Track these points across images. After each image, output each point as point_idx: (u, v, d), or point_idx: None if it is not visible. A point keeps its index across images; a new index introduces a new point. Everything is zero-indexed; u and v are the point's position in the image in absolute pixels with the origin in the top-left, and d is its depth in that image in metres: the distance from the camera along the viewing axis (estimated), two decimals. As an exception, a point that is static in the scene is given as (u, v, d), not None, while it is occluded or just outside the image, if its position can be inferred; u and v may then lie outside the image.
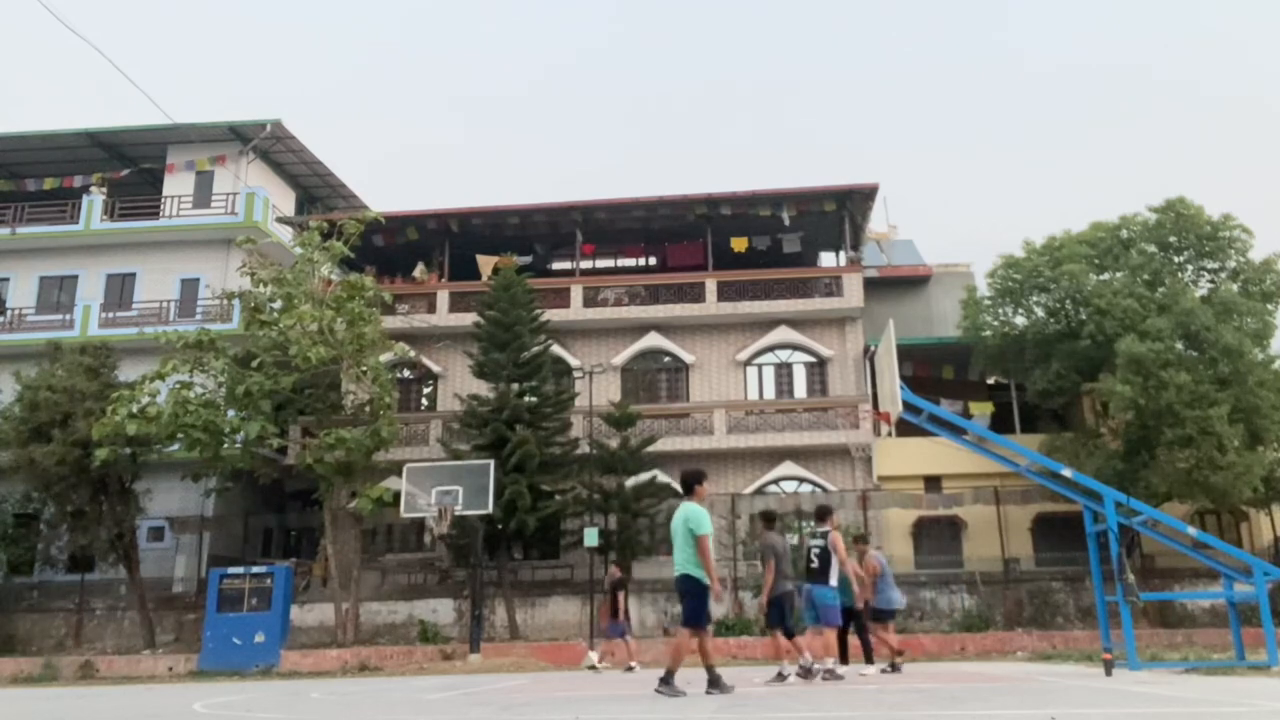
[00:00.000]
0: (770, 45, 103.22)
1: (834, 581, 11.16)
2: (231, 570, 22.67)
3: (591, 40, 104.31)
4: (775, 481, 27.27)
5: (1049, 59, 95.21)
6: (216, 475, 25.00)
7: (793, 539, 24.94)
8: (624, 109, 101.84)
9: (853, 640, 12.46)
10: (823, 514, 11.70)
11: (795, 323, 28.49)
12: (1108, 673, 11.50)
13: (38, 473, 23.89)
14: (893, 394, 13.06)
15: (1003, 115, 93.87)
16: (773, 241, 30.68)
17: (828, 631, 11.13)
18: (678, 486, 26.69)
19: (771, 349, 28.73)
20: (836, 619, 11.25)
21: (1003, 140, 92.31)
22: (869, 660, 12.41)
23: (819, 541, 11.34)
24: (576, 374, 27.26)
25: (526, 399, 25.00)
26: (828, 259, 33.38)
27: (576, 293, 29.05)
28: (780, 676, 10.55)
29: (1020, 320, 25.74)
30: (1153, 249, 24.73)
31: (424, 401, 29.48)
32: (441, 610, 24.66)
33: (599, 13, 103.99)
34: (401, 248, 30.42)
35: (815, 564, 11.22)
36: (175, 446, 24.01)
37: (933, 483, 26.95)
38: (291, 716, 7.75)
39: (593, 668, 17.84)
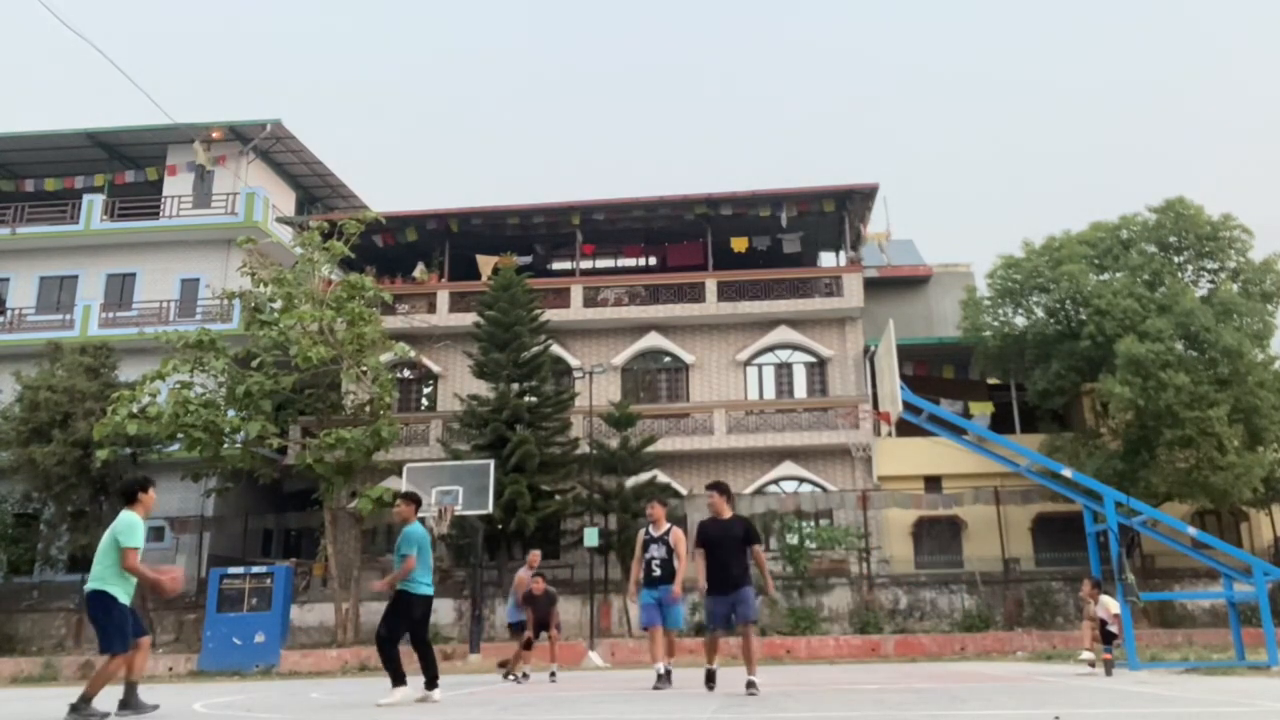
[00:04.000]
0: (767, 45, 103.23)
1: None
2: (231, 570, 22.64)
3: (586, 41, 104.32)
4: (775, 481, 27.28)
5: (1052, 59, 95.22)
6: (216, 475, 24.98)
7: (792, 538, 25.03)
8: (622, 109, 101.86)
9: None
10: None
11: (795, 323, 28.48)
12: (1108, 673, 11.51)
13: (38, 473, 23.88)
14: (893, 394, 13.07)
15: (1002, 115, 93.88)
16: (773, 241, 30.68)
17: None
18: (678, 487, 26.76)
19: (771, 349, 28.72)
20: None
21: (1001, 140, 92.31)
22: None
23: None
24: (576, 374, 27.26)
25: (526, 399, 24.99)
26: (828, 259, 33.41)
27: (576, 293, 29.04)
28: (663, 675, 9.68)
29: (1020, 321, 25.74)
30: (1152, 249, 24.73)
31: (424, 401, 29.47)
32: (441, 610, 24.60)
33: (597, 16, 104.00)
34: (401, 248, 30.41)
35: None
36: (175, 446, 24.01)
37: (933, 483, 26.95)
38: (291, 716, 7.75)
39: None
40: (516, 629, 13.76)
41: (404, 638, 8.52)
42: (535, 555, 14.79)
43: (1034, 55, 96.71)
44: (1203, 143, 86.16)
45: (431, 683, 8.51)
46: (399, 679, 8.29)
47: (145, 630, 7.90)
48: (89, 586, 7.46)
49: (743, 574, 8.62)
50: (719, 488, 9.02)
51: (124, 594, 7.47)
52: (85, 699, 7.25)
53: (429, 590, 8.56)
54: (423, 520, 9.08)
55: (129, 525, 7.51)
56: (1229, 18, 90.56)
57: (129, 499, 7.79)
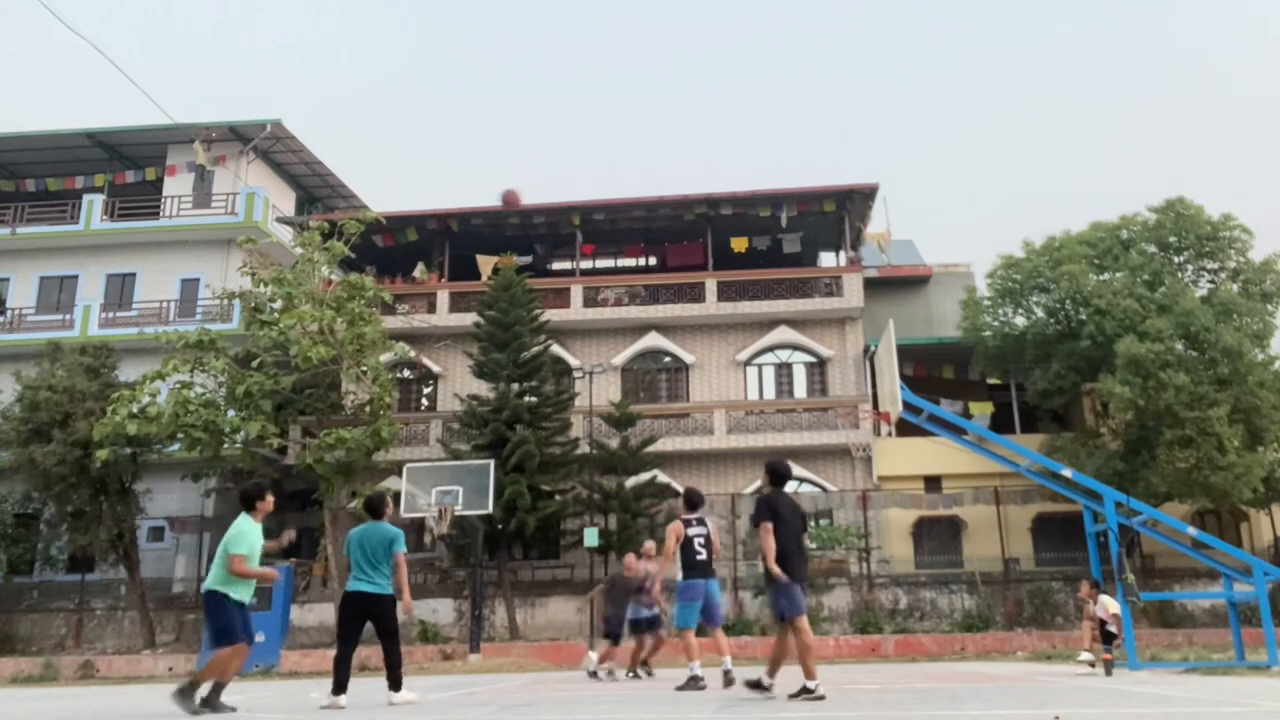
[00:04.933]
0: (768, 48, 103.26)
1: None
2: (232, 570, 22.63)
3: (588, 43, 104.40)
4: (775, 481, 27.23)
5: (1053, 59, 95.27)
6: (216, 475, 24.97)
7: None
8: (624, 109, 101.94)
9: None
10: (697, 500, 10.22)
11: (795, 323, 28.48)
12: (1108, 673, 11.51)
13: (38, 473, 23.87)
14: (893, 394, 13.07)
15: (1002, 118, 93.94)
16: (773, 241, 30.68)
17: (719, 631, 10.14)
18: (678, 487, 26.78)
19: (771, 349, 28.72)
20: (723, 616, 10.16)
21: (1002, 142, 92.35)
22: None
23: (703, 529, 9.93)
24: (576, 374, 27.25)
25: (526, 399, 24.98)
26: (828, 259, 33.41)
27: (576, 293, 29.03)
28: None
29: (1020, 321, 25.73)
30: (1153, 249, 24.73)
31: (424, 401, 29.46)
32: (441, 610, 24.65)
33: (598, 19, 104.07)
34: (401, 248, 30.40)
35: (703, 555, 9.82)
36: (175, 446, 23.99)
37: (933, 483, 26.94)
38: (291, 717, 7.75)
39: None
40: (634, 627, 12.71)
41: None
42: (650, 546, 13.85)
43: (1034, 58, 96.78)
44: (1202, 144, 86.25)
45: (392, 685, 8.40)
46: (335, 686, 8.24)
47: (251, 637, 8.21)
48: (204, 586, 8.08)
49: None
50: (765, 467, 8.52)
51: (237, 593, 7.95)
52: (193, 684, 7.77)
53: (354, 586, 8.22)
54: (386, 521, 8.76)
55: (238, 534, 7.98)
56: (1228, 20, 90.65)
57: (248, 506, 8.21)
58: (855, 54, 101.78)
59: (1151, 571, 24.06)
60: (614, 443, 25.14)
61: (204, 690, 7.76)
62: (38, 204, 32.12)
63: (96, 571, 26.24)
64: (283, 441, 24.40)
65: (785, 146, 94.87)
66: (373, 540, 8.22)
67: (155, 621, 24.97)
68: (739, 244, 30.03)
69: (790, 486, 27.06)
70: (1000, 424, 27.40)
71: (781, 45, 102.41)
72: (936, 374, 28.65)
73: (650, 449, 25.39)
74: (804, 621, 7.75)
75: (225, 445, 23.33)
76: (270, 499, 8.27)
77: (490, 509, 21.03)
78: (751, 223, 29.87)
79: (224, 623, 7.87)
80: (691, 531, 9.87)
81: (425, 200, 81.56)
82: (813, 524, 26.04)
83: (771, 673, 7.96)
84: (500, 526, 23.41)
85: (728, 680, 9.37)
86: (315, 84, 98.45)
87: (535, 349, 25.63)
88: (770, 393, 28.48)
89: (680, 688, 9.31)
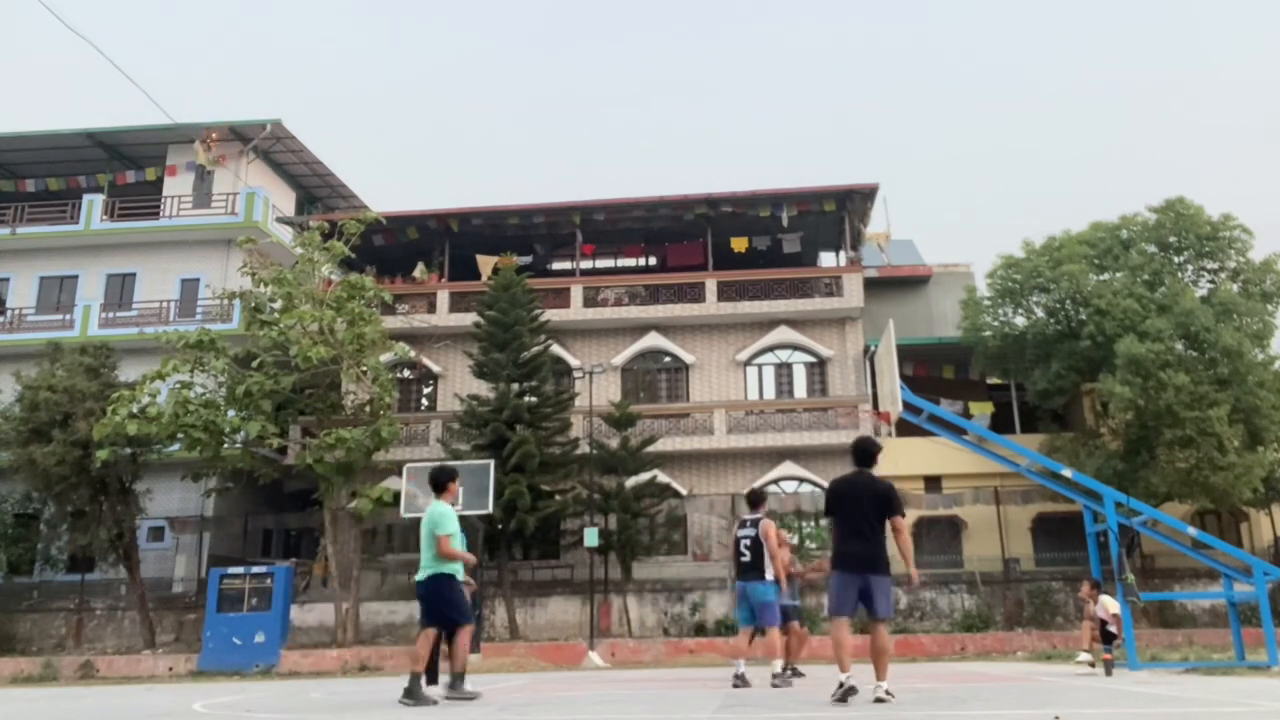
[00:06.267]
0: (767, 49, 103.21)
1: (770, 576, 9.85)
2: (231, 570, 22.64)
3: (587, 44, 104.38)
4: (775, 481, 27.26)
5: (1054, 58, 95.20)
6: (216, 475, 24.95)
7: (792, 538, 25.00)
8: (624, 109, 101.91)
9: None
10: (755, 500, 10.30)
11: (795, 323, 28.48)
12: (1108, 673, 11.51)
13: (38, 473, 23.83)
14: (893, 394, 13.06)
15: (1002, 118, 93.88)
16: (773, 241, 30.68)
17: (770, 632, 9.92)
18: (678, 487, 26.74)
19: (771, 349, 28.72)
20: (776, 617, 9.95)
21: (1002, 142, 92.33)
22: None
23: (749, 531, 9.95)
24: (576, 374, 27.23)
25: (526, 399, 24.98)
26: (828, 259, 33.41)
27: (576, 293, 29.03)
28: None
29: (1020, 321, 25.72)
30: (1153, 249, 24.71)
31: (424, 401, 29.46)
32: (441, 610, 24.62)
33: (598, 20, 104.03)
34: (401, 248, 30.41)
35: (746, 557, 9.88)
36: (175, 446, 23.97)
37: (933, 483, 26.93)
38: (291, 717, 7.75)
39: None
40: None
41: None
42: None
43: (1034, 59, 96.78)
44: (1202, 144, 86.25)
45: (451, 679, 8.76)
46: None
47: (471, 617, 8.56)
48: (422, 575, 8.36)
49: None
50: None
51: (457, 572, 8.36)
52: (459, 677, 8.18)
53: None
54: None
55: (441, 515, 8.33)
56: (1227, 20, 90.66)
57: (439, 489, 8.65)
58: (856, 53, 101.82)
59: (1151, 571, 24.05)
60: (614, 443, 25.14)
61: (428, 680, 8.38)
62: (38, 204, 32.10)
63: (96, 571, 26.23)
64: (283, 441, 24.40)
65: (785, 146, 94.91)
66: (425, 525, 8.53)
67: (155, 621, 24.95)
68: (739, 244, 30.04)
69: (789, 486, 27.19)
70: (1000, 424, 27.40)
71: (781, 44, 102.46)
72: (936, 374, 28.65)
73: (650, 449, 25.39)
74: (838, 619, 7.89)
75: (225, 445, 23.31)
76: (458, 482, 8.73)
77: (490, 509, 21.00)
78: (751, 223, 29.87)
79: (456, 602, 8.18)
80: (739, 533, 10.10)
81: (425, 200, 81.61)
82: (812, 523, 26.04)
83: (879, 676, 7.76)
84: (500, 526, 23.41)
85: (734, 682, 9.61)
86: (315, 84, 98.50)
87: (535, 349, 25.63)
88: (770, 393, 28.48)
89: (773, 684, 9.66)
